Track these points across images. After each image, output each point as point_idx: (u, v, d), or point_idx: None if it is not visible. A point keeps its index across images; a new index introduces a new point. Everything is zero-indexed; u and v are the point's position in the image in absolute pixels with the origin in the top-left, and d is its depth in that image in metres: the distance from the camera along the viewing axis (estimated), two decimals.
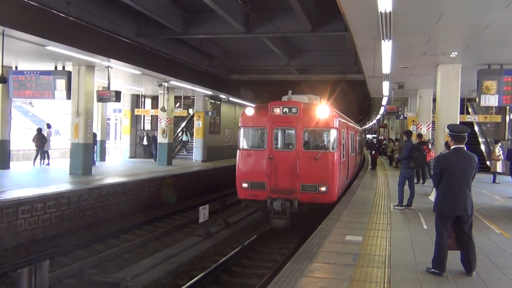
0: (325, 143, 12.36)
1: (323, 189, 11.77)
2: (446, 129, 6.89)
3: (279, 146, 12.70)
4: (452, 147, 6.33)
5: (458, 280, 5.95)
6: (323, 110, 12.12)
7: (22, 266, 8.32)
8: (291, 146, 12.46)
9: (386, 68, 14.92)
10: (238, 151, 12.76)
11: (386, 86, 19.71)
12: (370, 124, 67.25)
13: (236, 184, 12.62)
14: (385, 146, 29.72)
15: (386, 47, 11.72)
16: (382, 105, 30.17)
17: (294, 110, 12.17)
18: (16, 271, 6.37)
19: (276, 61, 25.28)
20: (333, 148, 12.08)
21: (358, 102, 46.83)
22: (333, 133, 12.14)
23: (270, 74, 29.73)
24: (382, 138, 41.81)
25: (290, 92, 13.15)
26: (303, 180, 11.88)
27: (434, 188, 6.92)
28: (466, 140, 6.24)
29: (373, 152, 25.84)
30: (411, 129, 19.88)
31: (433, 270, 6.16)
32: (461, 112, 17.84)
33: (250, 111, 12.69)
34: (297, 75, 28.04)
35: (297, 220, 12.37)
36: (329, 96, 23.06)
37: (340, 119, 13.11)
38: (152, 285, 8.91)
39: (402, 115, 25.79)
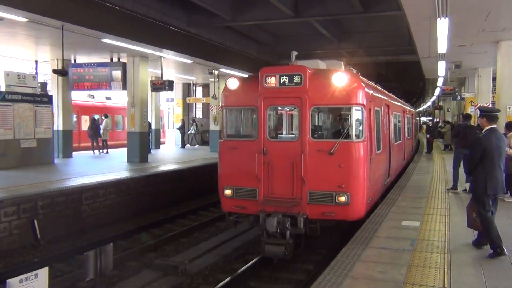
0: (345, 128, 8.36)
1: (343, 199, 7.93)
2: (477, 111, 7.31)
3: (275, 134, 9.30)
4: (486, 128, 6.39)
5: None
6: (340, 77, 8.03)
7: (87, 249, 8.81)
8: (293, 134, 9.12)
9: (441, 47, 14.35)
10: (219, 141, 9.21)
11: (442, 66, 19.00)
12: (425, 106, 65.02)
13: (218, 190, 9.04)
14: (441, 128, 28.69)
15: (442, 25, 11.25)
16: (438, 86, 29.07)
17: (296, 79, 8.28)
18: (83, 253, 6.75)
19: (325, 45, 24.85)
20: (358, 136, 8.27)
21: (411, 83, 45.33)
22: (358, 113, 8.31)
23: (321, 59, 29.29)
24: (438, 120, 40.36)
25: (293, 53, 9.27)
26: (311, 186, 8.10)
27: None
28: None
29: (428, 135, 25.03)
30: (469, 111, 19.08)
31: (497, 250, 6.06)
32: None
33: (233, 83, 8.83)
34: (348, 58, 27.49)
35: (304, 245, 8.56)
36: (381, 78, 22.46)
37: (371, 91, 9.25)
38: (208, 268, 9.16)
39: (459, 96, 24.79)
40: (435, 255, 6.22)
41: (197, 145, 27.61)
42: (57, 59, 17.95)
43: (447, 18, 10.59)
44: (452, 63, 18.85)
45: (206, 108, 30.35)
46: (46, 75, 22.19)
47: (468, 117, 11.78)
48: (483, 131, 6.58)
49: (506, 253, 6.05)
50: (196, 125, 28.72)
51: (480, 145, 6.30)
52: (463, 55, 17.02)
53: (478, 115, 6.91)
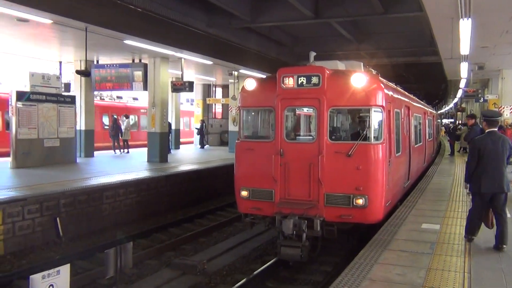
0: (364, 130, 8.27)
1: (361, 201, 7.86)
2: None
3: (292, 135, 9.26)
4: (486, 131, 6.82)
5: None
6: (359, 78, 8.01)
7: (108, 247, 8.95)
8: (310, 136, 9.06)
9: (464, 48, 14.14)
10: (236, 142, 9.23)
11: (464, 67, 18.71)
12: (447, 108, 64.02)
13: (235, 191, 9.07)
14: (459, 130, 28.19)
15: (465, 26, 11.09)
16: (460, 88, 28.61)
17: (314, 80, 8.25)
18: (104, 251, 6.87)
19: (345, 46, 24.69)
20: (377, 138, 8.18)
21: (433, 85, 44.69)
22: (377, 114, 8.23)
23: (340, 60, 29.12)
24: (458, 122, 39.72)
25: (311, 54, 9.28)
26: (328, 188, 8.05)
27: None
28: (499, 123, 6.88)
29: (449, 138, 24.65)
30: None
31: (464, 236, 6.98)
32: None
33: (251, 84, 8.88)
34: (368, 59, 27.27)
35: (320, 248, 8.45)
36: (401, 80, 22.20)
37: (390, 93, 9.19)
38: (226, 268, 9.21)
39: (482, 98, 24.35)
40: (455, 258, 6.15)
41: (206, 146, 27.71)
42: (80, 60, 18.33)
43: (470, 19, 10.44)
44: (475, 65, 18.57)
45: (225, 109, 30.48)
46: (70, 76, 22.62)
47: (472, 116, 11.73)
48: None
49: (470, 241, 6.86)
50: (205, 125, 28.81)
51: (474, 147, 6.75)
52: (486, 56, 16.74)
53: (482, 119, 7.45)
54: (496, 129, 6.83)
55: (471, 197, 7.12)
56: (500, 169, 6.56)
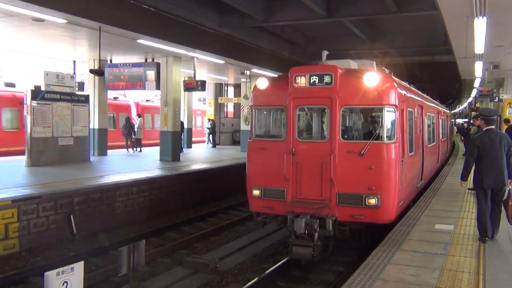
0: (376, 129, 8.25)
1: (373, 201, 7.81)
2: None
3: (304, 135, 9.20)
4: (484, 129, 7.14)
5: None
6: (372, 77, 7.96)
7: (122, 245, 9.03)
8: (322, 135, 9.01)
9: (479, 47, 13.95)
10: (248, 141, 9.26)
11: (479, 66, 18.47)
12: (461, 107, 63.34)
13: (247, 190, 9.15)
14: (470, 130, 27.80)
15: (480, 24, 10.95)
16: (474, 87, 28.29)
17: (327, 79, 8.22)
18: (117, 249, 6.93)
19: (358, 45, 24.57)
20: (390, 138, 8.11)
21: (447, 84, 44.26)
22: (390, 114, 8.16)
23: (353, 59, 28.99)
24: (471, 122, 39.28)
25: (324, 53, 9.26)
26: (340, 187, 8.02)
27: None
28: (496, 122, 7.00)
29: (462, 138, 24.38)
30: (507, 113, 18.49)
31: (479, 238, 7.00)
32: None
33: (263, 83, 8.90)
34: (381, 58, 27.10)
35: (332, 248, 8.48)
36: (414, 79, 22.03)
37: (403, 92, 9.16)
38: (238, 267, 9.23)
39: (497, 98, 24.03)
40: (469, 259, 6.09)
41: (210, 144, 27.79)
42: (94, 59, 18.48)
43: (485, 17, 10.31)
44: (490, 64, 18.32)
45: (237, 108, 30.54)
46: (83, 75, 22.85)
47: (477, 116, 11.81)
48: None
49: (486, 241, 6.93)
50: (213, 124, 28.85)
51: (473, 144, 7.08)
52: (501, 55, 16.51)
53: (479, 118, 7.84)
54: (493, 127, 7.17)
55: (475, 196, 7.52)
56: (499, 165, 6.85)
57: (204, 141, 29.52)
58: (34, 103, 14.98)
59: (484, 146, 6.90)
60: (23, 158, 15.21)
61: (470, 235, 7.36)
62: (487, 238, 6.94)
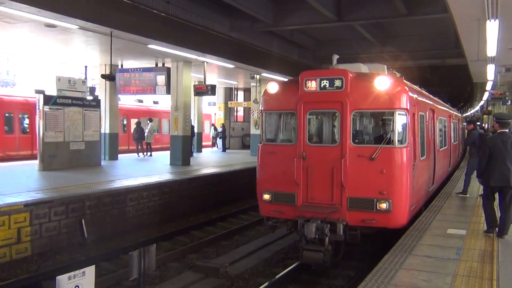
0: (388, 133, 8.18)
1: (384, 206, 7.76)
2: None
3: (315, 139, 9.03)
4: (498, 131, 7.52)
5: None
6: (383, 81, 7.90)
7: (132, 249, 9.06)
8: (333, 139, 8.82)
9: (491, 50, 13.84)
10: (258, 145, 9.32)
11: (491, 69, 18.31)
12: (473, 111, 62.78)
13: (257, 194, 9.15)
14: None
15: (492, 27, 10.86)
16: (487, 90, 28.05)
17: (337, 83, 8.18)
18: (128, 253, 6.95)
19: (368, 48, 24.49)
20: (401, 142, 8.06)
21: (458, 87, 43.94)
22: (401, 118, 8.08)
23: (363, 63, 28.90)
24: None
25: (334, 56, 9.29)
26: (351, 192, 7.98)
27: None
28: (510, 125, 7.62)
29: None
30: None
31: (486, 230, 7.62)
32: None
33: (273, 87, 8.90)
34: (392, 61, 26.98)
35: (343, 252, 8.41)
36: (425, 83, 21.88)
37: (415, 95, 9.14)
38: (249, 271, 9.21)
39: (509, 101, 23.80)
40: (482, 265, 6.01)
41: (215, 148, 27.92)
42: (105, 65, 18.62)
43: (497, 20, 10.23)
44: (502, 67, 18.16)
45: (247, 112, 30.57)
46: (94, 80, 23.03)
47: (470, 122, 12.13)
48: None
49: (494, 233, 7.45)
50: (215, 128, 28.86)
51: (486, 145, 7.51)
52: None
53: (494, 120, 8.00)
54: (507, 130, 7.53)
55: (483, 192, 7.95)
56: (507, 165, 7.22)
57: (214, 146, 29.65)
58: (46, 108, 15.13)
59: (495, 146, 7.31)
60: (36, 163, 15.36)
61: (483, 239, 7.27)
62: (492, 231, 7.48)
